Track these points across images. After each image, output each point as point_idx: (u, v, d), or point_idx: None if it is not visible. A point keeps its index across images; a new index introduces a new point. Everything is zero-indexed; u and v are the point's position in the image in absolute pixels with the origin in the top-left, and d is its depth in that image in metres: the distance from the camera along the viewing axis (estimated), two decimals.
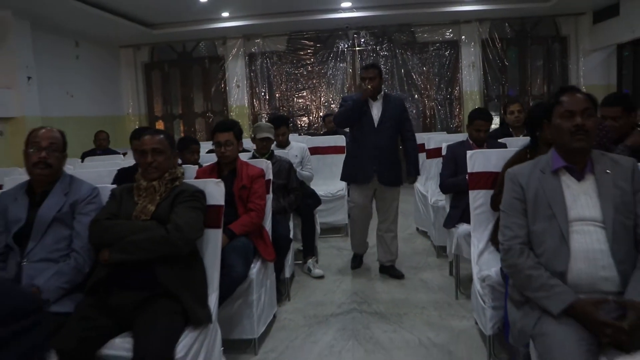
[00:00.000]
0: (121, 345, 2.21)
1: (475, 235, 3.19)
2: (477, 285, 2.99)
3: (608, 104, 3.24)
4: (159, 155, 2.62)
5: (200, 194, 2.63)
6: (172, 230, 2.40)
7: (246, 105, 10.23)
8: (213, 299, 2.61)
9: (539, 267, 2.01)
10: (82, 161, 5.85)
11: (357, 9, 8.93)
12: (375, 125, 4.43)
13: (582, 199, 2.05)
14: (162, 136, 2.69)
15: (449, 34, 9.97)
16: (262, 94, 10.36)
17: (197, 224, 2.53)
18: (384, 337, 3.39)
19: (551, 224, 2.04)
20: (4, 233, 2.53)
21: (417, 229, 6.14)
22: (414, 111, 10.18)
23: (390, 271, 4.68)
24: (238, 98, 10.22)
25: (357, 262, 4.98)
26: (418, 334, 3.39)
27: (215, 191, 2.76)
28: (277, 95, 10.40)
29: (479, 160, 3.24)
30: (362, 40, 10.11)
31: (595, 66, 9.80)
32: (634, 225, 2.02)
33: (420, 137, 5.99)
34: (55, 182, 2.62)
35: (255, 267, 3.27)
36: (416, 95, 10.17)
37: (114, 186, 2.83)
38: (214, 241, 2.71)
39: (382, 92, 4.53)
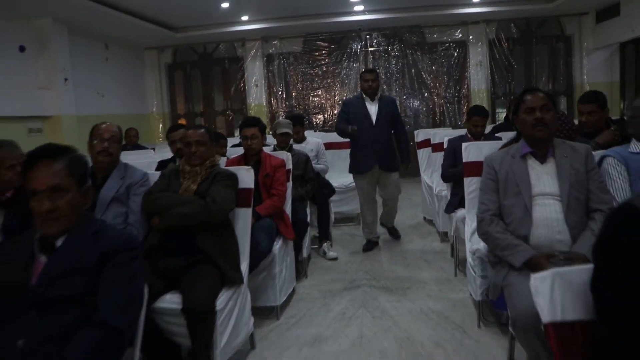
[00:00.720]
0: (171, 299, 2.73)
1: (469, 216, 3.67)
2: (469, 258, 3.48)
3: (584, 101, 3.70)
4: (201, 146, 3.15)
5: (233, 176, 3.17)
6: (210, 202, 2.94)
7: (264, 104, 10.74)
8: (244, 266, 3.13)
9: (506, 232, 2.51)
10: None
11: (369, 11, 9.39)
12: (374, 122, 5.21)
13: (544, 178, 2.55)
14: (203, 130, 3.22)
15: (457, 35, 10.39)
16: (279, 92, 10.85)
17: (230, 199, 3.07)
18: (389, 306, 3.89)
19: (518, 199, 2.54)
20: None
21: (425, 218, 6.61)
22: (424, 109, 10.66)
23: (391, 231, 5.92)
24: (256, 97, 10.74)
25: (369, 246, 5.53)
26: (419, 304, 3.89)
27: (246, 176, 3.28)
28: (293, 94, 10.88)
29: (472, 151, 3.71)
30: (374, 41, 10.56)
31: (599, 64, 10.17)
32: (586, 199, 2.51)
33: (427, 133, 6.51)
34: (113, 169, 3.15)
35: (277, 245, 3.79)
36: (426, 94, 10.61)
37: (158, 173, 3.36)
38: (244, 218, 3.24)
39: (379, 94, 5.30)
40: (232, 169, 3.30)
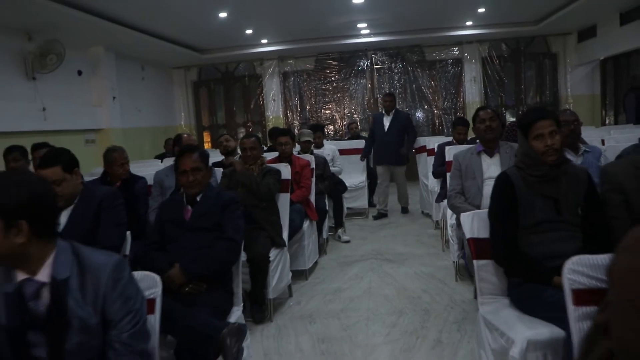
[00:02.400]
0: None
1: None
2: (448, 230, 4.70)
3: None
4: (254, 150, 4.39)
5: (278, 171, 4.41)
6: (264, 186, 4.17)
7: (281, 116, 11.98)
8: (285, 235, 4.37)
9: (465, 203, 3.73)
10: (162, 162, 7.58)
11: (374, 34, 10.61)
12: (385, 131, 7.27)
13: (491, 167, 3.77)
14: (254, 138, 4.48)
15: (453, 53, 11.61)
16: (295, 106, 12.10)
17: (276, 185, 4.32)
18: (390, 270, 5.12)
19: (474, 181, 3.77)
20: (161, 195, 4.33)
21: (422, 211, 7.82)
22: (425, 119, 11.88)
23: (403, 209, 7.98)
24: (274, 110, 11.98)
25: (379, 215, 7.64)
26: (413, 269, 5.11)
27: (285, 171, 4.55)
28: (307, 107, 12.11)
29: (452, 153, 4.93)
30: (379, 59, 11.78)
31: (581, 78, 11.36)
32: None
33: (423, 140, 7.75)
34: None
35: (306, 224, 5.03)
36: (426, 106, 11.83)
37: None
38: (284, 199, 4.51)
39: (394, 110, 7.33)
40: (277, 165, 4.56)
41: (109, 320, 1.60)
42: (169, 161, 5.34)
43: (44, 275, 1.60)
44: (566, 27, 10.66)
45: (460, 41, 11.39)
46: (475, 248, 2.68)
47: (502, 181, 2.64)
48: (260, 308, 3.93)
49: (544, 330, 2.22)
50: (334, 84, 12.06)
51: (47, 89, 7.49)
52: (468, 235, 2.72)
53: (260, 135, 11.64)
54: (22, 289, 1.57)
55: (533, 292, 2.40)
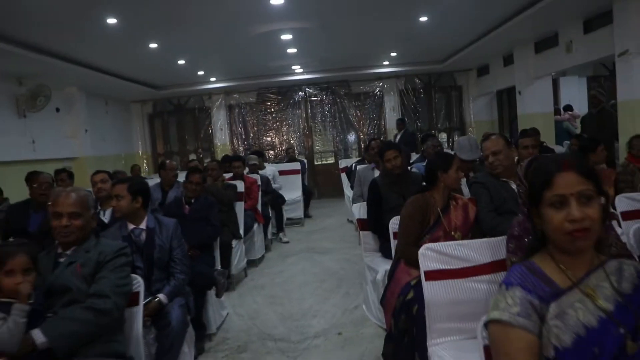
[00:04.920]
0: None
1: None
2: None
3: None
4: (213, 171, 6.13)
5: (235, 186, 6.17)
6: (226, 196, 5.91)
7: (227, 143, 13.65)
8: (241, 231, 6.12)
9: (360, 199, 5.59)
10: None
11: (307, 72, 12.47)
12: None
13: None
14: (215, 163, 6.21)
15: (375, 87, 13.55)
16: (239, 134, 13.78)
17: (234, 196, 6.07)
18: (319, 258, 6.94)
19: (366, 187, 5.64)
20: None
21: (348, 219, 9.66)
22: (352, 142, 13.81)
23: None
24: (221, 138, 13.65)
25: None
26: (335, 256, 6.95)
27: (239, 186, 6.34)
28: (250, 135, 13.79)
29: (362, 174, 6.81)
30: (312, 92, 13.64)
31: (482, 107, 13.55)
32: None
33: (345, 162, 9.62)
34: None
35: (255, 225, 6.80)
36: (353, 132, 13.78)
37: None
38: (240, 206, 6.26)
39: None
40: (234, 182, 6.33)
41: (172, 248, 3.36)
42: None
43: (143, 225, 3.38)
44: (467, 64, 12.74)
45: (381, 76, 13.32)
46: (360, 224, 4.54)
47: (372, 184, 4.49)
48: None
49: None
50: (274, 114, 13.76)
51: (34, 124, 9.01)
52: (356, 216, 4.57)
53: (209, 160, 13.35)
54: (132, 232, 3.32)
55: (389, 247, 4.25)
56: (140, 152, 13.77)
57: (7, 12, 5.88)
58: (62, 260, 2.58)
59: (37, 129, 9.06)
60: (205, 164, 6.79)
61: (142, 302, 2.73)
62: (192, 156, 13.72)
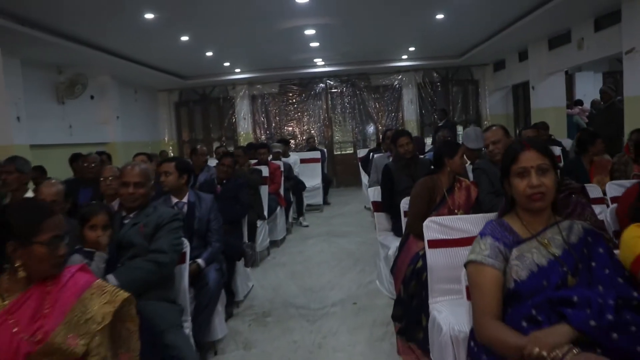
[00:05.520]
0: None
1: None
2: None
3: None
4: (240, 157, 6.62)
5: (260, 171, 6.67)
6: (252, 180, 6.39)
7: (250, 132, 14.14)
8: (265, 213, 6.60)
9: (376, 184, 6.04)
10: None
11: (328, 64, 12.93)
12: None
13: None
14: (240, 150, 6.69)
15: (394, 80, 13.96)
16: (262, 124, 14.28)
17: (259, 179, 6.54)
18: (336, 240, 7.42)
19: None
20: None
21: (365, 206, 10.10)
22: (371, 133, 14.22)
23: None
24: (244, 127, 14.15)
25: None
26: (352, 239, 7.41)
27: (264, 171, 6.81)
28: (272, 124, 14.27)
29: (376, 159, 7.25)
30: (333, 85, 14.08)
31: (498, 100, 13.90)
32: None
33: (363, 152, 10.07)
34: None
35: (278, 208, 7.28)
36: (372, 123, 14.21)
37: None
38: (264, 189, 6.72)
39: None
40: (259, 167, 6.83)
41: (209, 220, 3.85)
42: None
43: (185, 199, 3.88)
44: (483, 59, 13.11)
45: (399, 70, 13.72)
46: (375, 206, 5.00)
47: (385, 169, 4.93)
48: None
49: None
50: (295, 105, 14.24)
51: (72, 110, 9.59)
52: (371, 199, 5.03)
53: (232, 148, 13.87)
54: (176, 205, 3.82)
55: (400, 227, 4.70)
56: (166, 139, 14.31)
57: (52, 5, 6.38)
58: (126, 221, 3.09)
59: (74, 115, 9.63)
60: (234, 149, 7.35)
61: (188, 261, 3.22)
62: (216, 144, 14.23)
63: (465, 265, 2.05)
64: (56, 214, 1.94)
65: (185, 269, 3.18)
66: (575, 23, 8.63)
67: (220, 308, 3.83)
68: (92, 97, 10.47)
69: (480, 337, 1.88)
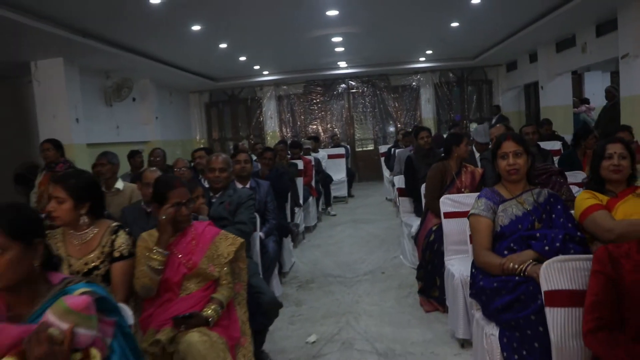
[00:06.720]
0: None
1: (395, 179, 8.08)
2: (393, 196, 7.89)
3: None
4: (281, 152, 7.54)
5: (296, 164, 7.58)
6: (290, 173, 7.30)
7: (277, 131, 15.05)
8: (300, 201, 7.50)
9: (399, 174, 6.92)
10: None
11: (350, 66, 13.80)
12: None
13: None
14: (282, 145, 7.61)
15: (412, 80, 14.79)
16: (288, 122, 15.17)
17: (295, 172, 7.45)
18: (362, 226, 8.30)
19: None
20: None
21: (386, 198, 10.97)
22: (391, 131, 15.06)
23: None
24: (271, 126, 15.07)
25: None
26: (377, 226, 8.28)
27: (299, 164, 7.72)
28: (297, 123, 15.14)
29: (399, 153, 8.12)
30: (354, 85, 14.94)
31: (511, 99, 14.63)
32: None
33: (384, 148, 10.95)
34: None
35: (310, 198, 8.19)
36: (391, 121, 15.05)
37: None
38: (300, 181, 7.65)
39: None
40: (297, 162, 7.75)
41: (267, 202, 4.76)
42: None
43: (247, 185, 4.81)
44: (496, 60, 13.85)
45: (417, 71, 14.53)
46: (399, 192, 5.90)
47: (407, 160, 5.82)
48: None
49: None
50: (319, 105, 15.12)
51: (118, 112, 10.57)
52: (397, 186, 5.93)
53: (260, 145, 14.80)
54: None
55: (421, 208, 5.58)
56: (197, 137, 15.27)
57: (112, 18, 7.17)
58: (214, 200, 4.00)
59: (120, 116, 10.62)
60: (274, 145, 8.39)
61: (258, 230, 4.14)
62: (244, 142, 15.13)
63: (468, 217, 2.96)
64: (178, 187, 2.85)
65: (257, 235, 4.10)
66: (579, 29, 9.43)
67: (276, 272, 4.75)
68: (134, 100, 11.43)
69: (478, 262, 2.80)
